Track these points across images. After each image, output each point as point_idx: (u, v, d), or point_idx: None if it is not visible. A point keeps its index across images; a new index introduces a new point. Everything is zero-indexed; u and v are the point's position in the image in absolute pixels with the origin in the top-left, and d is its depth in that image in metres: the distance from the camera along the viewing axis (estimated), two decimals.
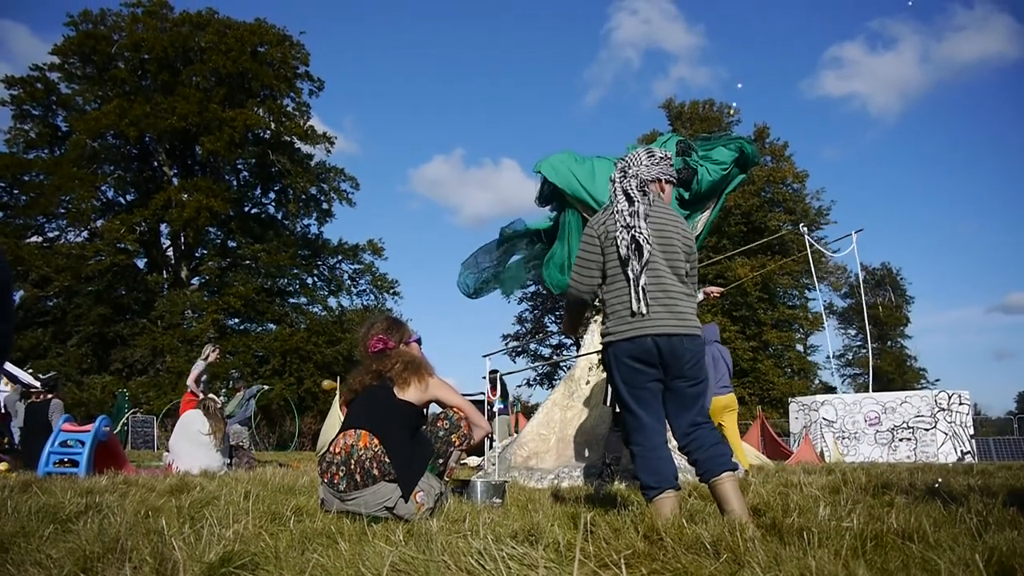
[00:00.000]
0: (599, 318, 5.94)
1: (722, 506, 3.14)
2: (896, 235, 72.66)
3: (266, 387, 12.86)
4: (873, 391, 21.69)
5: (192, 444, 8.25)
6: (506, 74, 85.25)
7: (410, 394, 3.97)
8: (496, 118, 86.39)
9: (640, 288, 3.21)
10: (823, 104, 72.48)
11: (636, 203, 3.32)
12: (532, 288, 40.99)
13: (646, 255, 3.24)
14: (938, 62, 70.87)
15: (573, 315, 3.75)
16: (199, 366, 10.58)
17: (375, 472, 3.62)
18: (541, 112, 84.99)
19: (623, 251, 3.26)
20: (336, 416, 19.21)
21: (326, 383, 21.78)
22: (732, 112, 41.37)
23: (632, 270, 3.23)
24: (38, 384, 11.24)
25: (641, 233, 3.25)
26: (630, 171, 3.44)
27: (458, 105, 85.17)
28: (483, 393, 8.94)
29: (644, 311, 3.20)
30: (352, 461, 3.65)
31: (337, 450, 3.73)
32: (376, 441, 3.68)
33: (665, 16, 74.88)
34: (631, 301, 3.23)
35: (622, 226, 3.28)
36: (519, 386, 43.22)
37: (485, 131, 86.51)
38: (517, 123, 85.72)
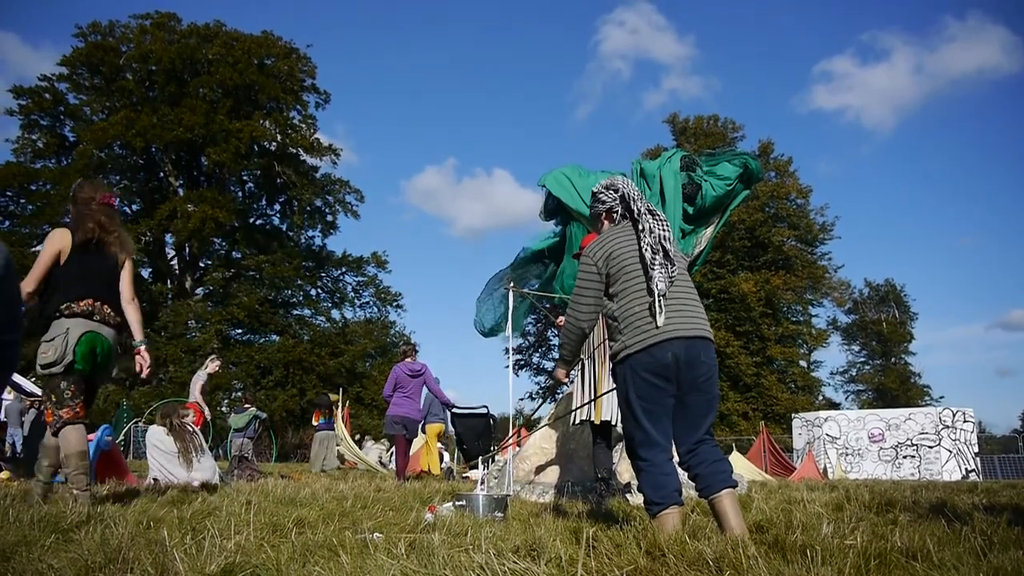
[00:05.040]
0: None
1: (720, 522, 3.13)
2: (898, 250, 72.64)
3: (263, 415, 12.90)
4: (876, 408, 21.63)
5: (167, 458, 8.13)
6: (496, 85, 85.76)
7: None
8: (487, 128, 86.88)
9: (660, 302, 3.23)
10: (816, 117, 72.66)
11: (658, 220, 3.41)
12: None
13: (671, 270, 3.31)
14: (931, 73, 71.00)
15: (574, 347, 3.65)
16: (201, 377, 10.58)
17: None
18: (533, 122, 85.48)
19: (648, 256, 3.27)
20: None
21: None
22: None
23: (657, 282, 3.24)
24: (40, 393, 11.23)
25: (668, 246, 3.33)
26: (636, 195, 3.51)
27: (449, 115, 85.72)
28: (485, 407, 8.91)
29: (662, 319, 3.21)
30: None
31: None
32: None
33: (654, 27, 75.14)
34: (651, 308, 3.23)
35: (654, 240, 3.33)
36: (521, 399, 43.09)
37: (477, 141, 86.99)
38: (509, 133, 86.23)
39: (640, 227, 3.37)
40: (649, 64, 75.87)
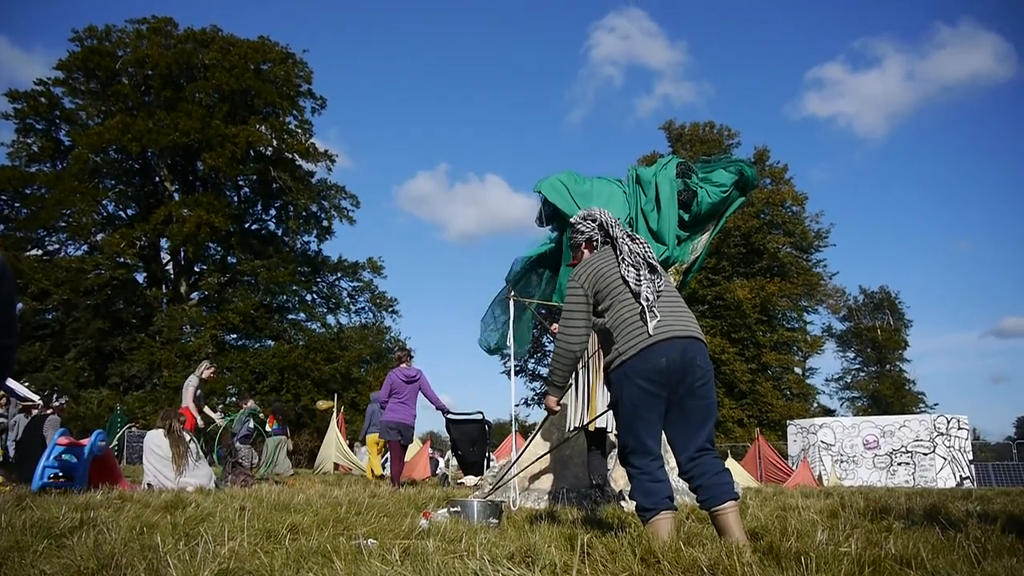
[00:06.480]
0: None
1: (723, 535, 3.10)
2: (893, 257, 72.95)
3: (258, 409, 12.94)
4: (870, 415, 21.67)
5: (163, 463, 8.11)
6: (488, 90, 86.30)
7: None
8: (480, 134, 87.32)
9: (651, 309, 3.27)
10: (809, 124, 73.04)
11: (638, 243, 3.50)
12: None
13: (658, 283, 3.37)
14: (924, 79, 71.40)
15: (565, 373, 3.66)
16: (193, 382, 10.51)
17: None
18: (526, 128, 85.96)
19: (632, 277, 3.34)
20: (334, 433, 19.23)
21: (321, 404, 21.76)
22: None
23: (644, 295, 3.28)
24: (36, 398, 11.20)
25: (653, 262, 3.41)
26: (613, 221, 3.63)
27: (441, 121, 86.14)
28: (480, 413, 8.91)
29: (653, 324, 3.23)
30: None
31: None
32: None
33: (645, 33, 75.55)
34: (641, 314, 3.27)
35: (636, 259, 3.41)
36: (517, 405, 43.00)
37: (469, 146, 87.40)
38: (501, 138, 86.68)
39: (619, 250, 3.45)
40: (641, 70, 76.34)
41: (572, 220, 3.77)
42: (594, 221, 3.66)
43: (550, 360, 3.66)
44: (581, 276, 3.47)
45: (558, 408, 3.87)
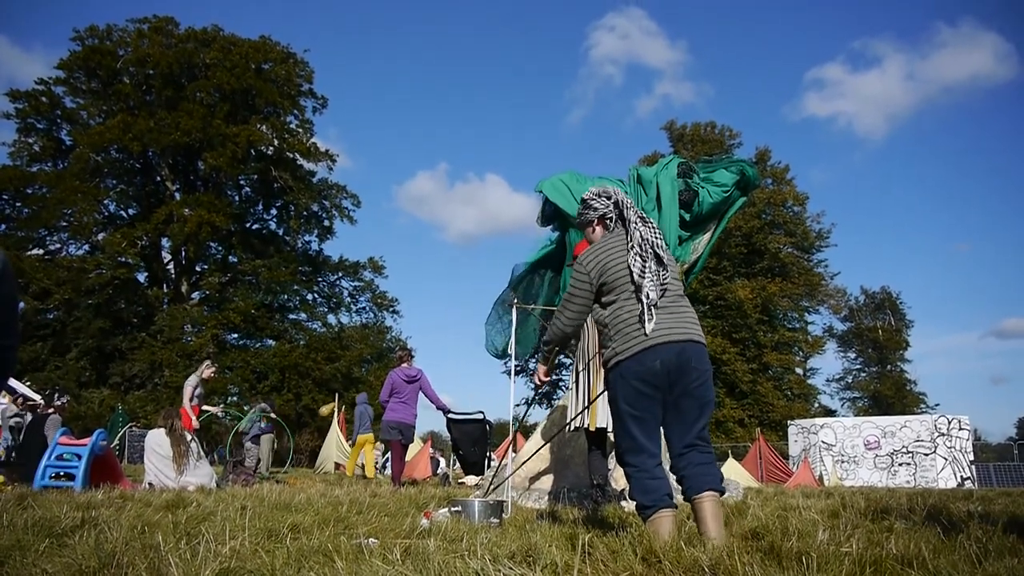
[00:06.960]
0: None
1: (699, 525, 3.13)
2: (894, 257, 72.85)
3: (267, 408, 12.98)
4: (871, 415, 21.62)
5: (165, 462, 8.12)
6: (487, 90, 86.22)
7: None
8: (479, 134, 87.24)
9: (650, 308, 3.24)
10: (809, 124, 72.91)
11: (649, 228, 3.41)
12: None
13: (663, 276, 3.31)
14: (924, 80, 71.29)
15: (556, 345, 3.68)
16: (192, 381, 10.52)
17: None
18: (525, 127, 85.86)
19: (637, 268, 3.27)
20: (335, 434, 19.25)
21: (323, 409, 21.75)
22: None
23: (647, 291, 3.24)
24: (37, 398, 11.20)
25: (661, 252, 3.33)
26: (628, 203, 3.53)
27: (440, 120, 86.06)
28: (481, 413, 8.91)
29: (651, 327, 3.21)
30: None
31: None
32: None
33: (645, 32, 75.43)
34: (640, 316, 3.23)
35: (645, 248, 3.33)
36: (517, 405, 42.98)
37: (469, 146, 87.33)
38: (501, 138, 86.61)
39: (630, 235, 3.37)
40: (641, 69, 76.26)
41: (585, 196, 3.62)
42: (609, 199, 3.54)
43: (544, 335, 3.69)
44: (588, 264, 3.39)
45: (546, 378, 4.06)
